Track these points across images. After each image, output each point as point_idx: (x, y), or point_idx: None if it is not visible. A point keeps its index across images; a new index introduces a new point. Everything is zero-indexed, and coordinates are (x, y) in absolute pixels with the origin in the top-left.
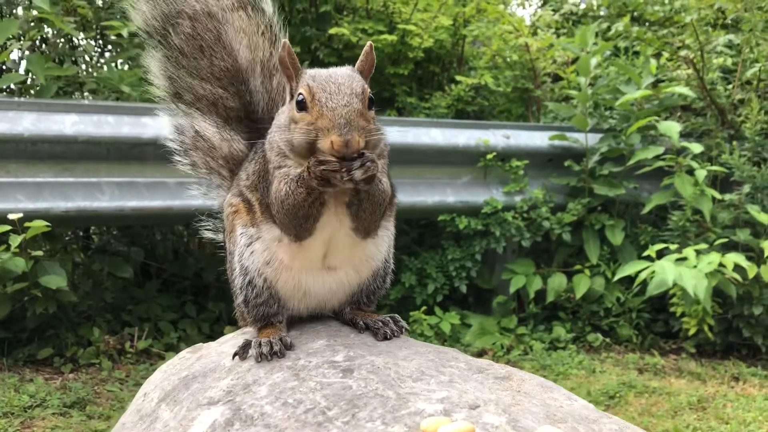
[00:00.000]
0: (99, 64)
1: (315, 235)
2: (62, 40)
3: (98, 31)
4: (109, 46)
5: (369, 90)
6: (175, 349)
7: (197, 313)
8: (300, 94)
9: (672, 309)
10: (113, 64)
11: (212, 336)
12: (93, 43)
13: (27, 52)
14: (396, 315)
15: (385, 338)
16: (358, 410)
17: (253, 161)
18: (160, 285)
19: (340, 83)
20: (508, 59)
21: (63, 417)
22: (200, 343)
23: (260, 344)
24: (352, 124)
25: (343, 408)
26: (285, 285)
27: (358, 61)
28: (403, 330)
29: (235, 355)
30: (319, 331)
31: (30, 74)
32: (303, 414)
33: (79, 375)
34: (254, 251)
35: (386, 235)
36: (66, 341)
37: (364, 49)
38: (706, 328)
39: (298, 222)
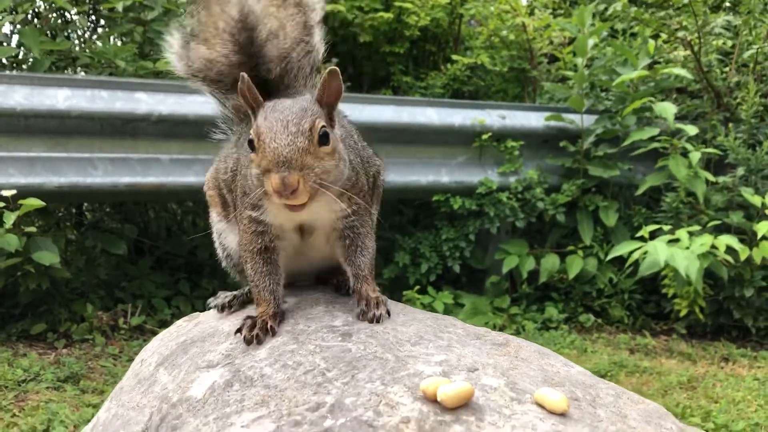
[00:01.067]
0: (92, 39)
1: (286, 242)
2: (54, 14)
3: (90, 5)
4: (102, 21)
5: (322, 124)
6: (168, 325)
7: (191, 290)
8: (250, 134)
9: (664, 290)
10: (109, 39)
11: None
12: (86, 17)
13: (19, 26)
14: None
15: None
16: (358, 371)
17: (233, 155)
18: (153, 262)
19: (288, 121)
20: (505, 39)
21: (57, 391)
22: (196, 312)
23: (217, 295)
24: (292, 163)
25: (342, 369)
26: None
27: (317, 90)
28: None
29: (207, 305)
30: (317, 299)
31: (22, 48)
32: (302, 375)
33: (73, 350)
34: (228, 238)
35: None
36: (59, 317)
37: (323, 76)
38: (697, 309)
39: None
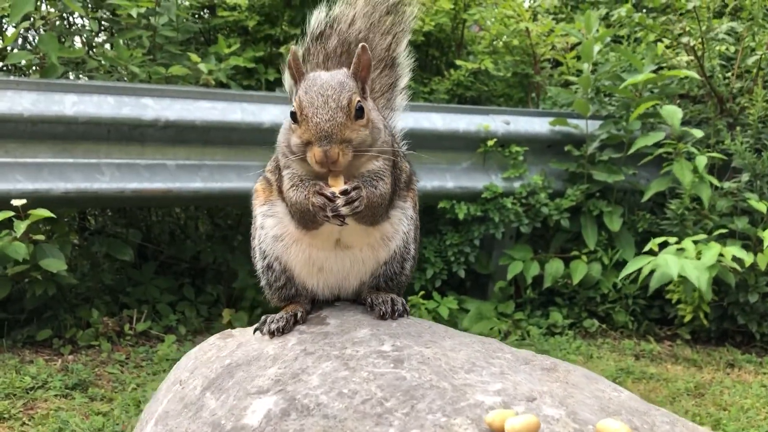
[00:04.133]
0: (99, 44)
1: (323, 228)
2: (58, 18)
3: (94, 9)
4: (104, 25)
5: (358, 99)
6: (174, 331)
7: (195, 295)
8: (293, 106)
9: (668, 296)
10: (122, 44)
11: (210, 319)
12: (96, 21)
13: (35, 33)
14: (396, 297)
15: (381, 317)
16: (416, 402)
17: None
18: (157, 267)
19: (327, 96)
20: (509, 44)
21: (65, 399)
22: (229, 330)
23: (268, 321)
24: (333, 138)
25: (400, 399)
26: (297, 259)
27: (352, 64)
28: (396, 313)
29: (255, 330)
30: (360, 321)
31: (33, 53)
32: (361, 405)
33: (79, 356)
34: (266, 226)
35: (404, 217)
36: (65, 323)
37: (357, 51)
38: (701, 315)
39: (305, 221)
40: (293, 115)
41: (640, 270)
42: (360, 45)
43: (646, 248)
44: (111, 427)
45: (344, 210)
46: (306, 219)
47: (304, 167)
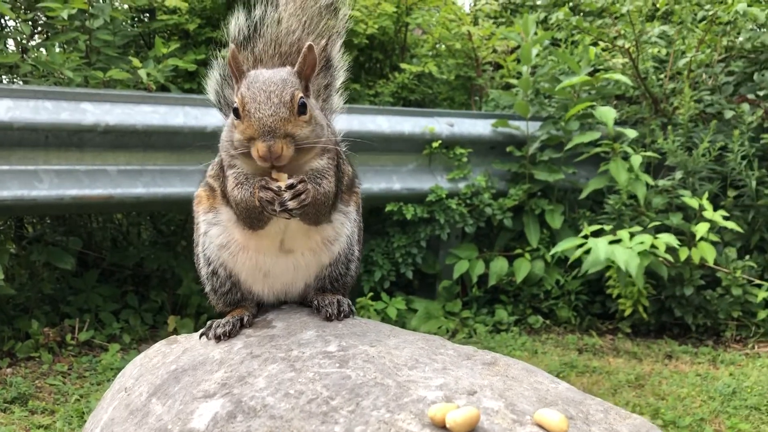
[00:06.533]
0: (33, 48)
1: (268, 227)
2: None
3: (26, 11)
4: (38, 28)
5: (300, 95)
6: (118, 340)
7: (139, 303)
8: (235, 102)
9: (608, 291)
10: (55, 48)
11: (155, 326)
12: (28, 24)
13: None
14: (342, 299)
15: (327, 318)
16: (361, 399)
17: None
18: (99, 275)
19: (270, 92)
20: (451, 47)
21: (4, 413)
22: (174, 336)
23: (214, 326)
24: (276, 132)
25: (345, 397)
26: (243, 266)
27: (297, 63)
28: (342, 314)
29: (201, 335)
30: (306, 323)
31: None
32: (307, 404)
33: (18, 369)
34: (211, 235)
35: (346, 220)
36: (2, 335)
37: (303, 50)
38: (641, 308)
39: (251, 220)
40: (236, 111)
41: (579, 262)
42: (306, 44)
43: (582, 234)
44: None
45: (291, 204)
46: (252, 217)
47: (248, 164)
